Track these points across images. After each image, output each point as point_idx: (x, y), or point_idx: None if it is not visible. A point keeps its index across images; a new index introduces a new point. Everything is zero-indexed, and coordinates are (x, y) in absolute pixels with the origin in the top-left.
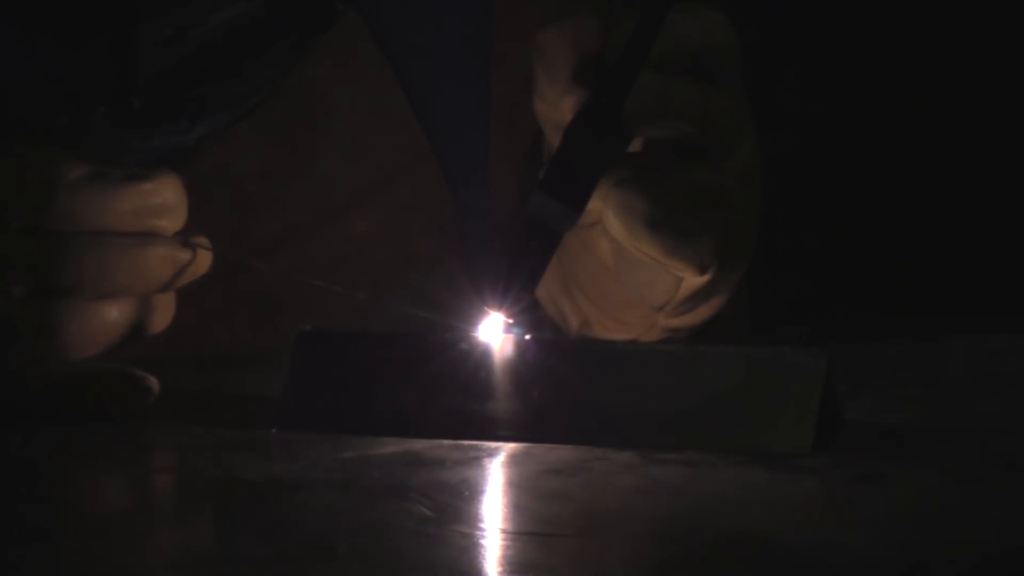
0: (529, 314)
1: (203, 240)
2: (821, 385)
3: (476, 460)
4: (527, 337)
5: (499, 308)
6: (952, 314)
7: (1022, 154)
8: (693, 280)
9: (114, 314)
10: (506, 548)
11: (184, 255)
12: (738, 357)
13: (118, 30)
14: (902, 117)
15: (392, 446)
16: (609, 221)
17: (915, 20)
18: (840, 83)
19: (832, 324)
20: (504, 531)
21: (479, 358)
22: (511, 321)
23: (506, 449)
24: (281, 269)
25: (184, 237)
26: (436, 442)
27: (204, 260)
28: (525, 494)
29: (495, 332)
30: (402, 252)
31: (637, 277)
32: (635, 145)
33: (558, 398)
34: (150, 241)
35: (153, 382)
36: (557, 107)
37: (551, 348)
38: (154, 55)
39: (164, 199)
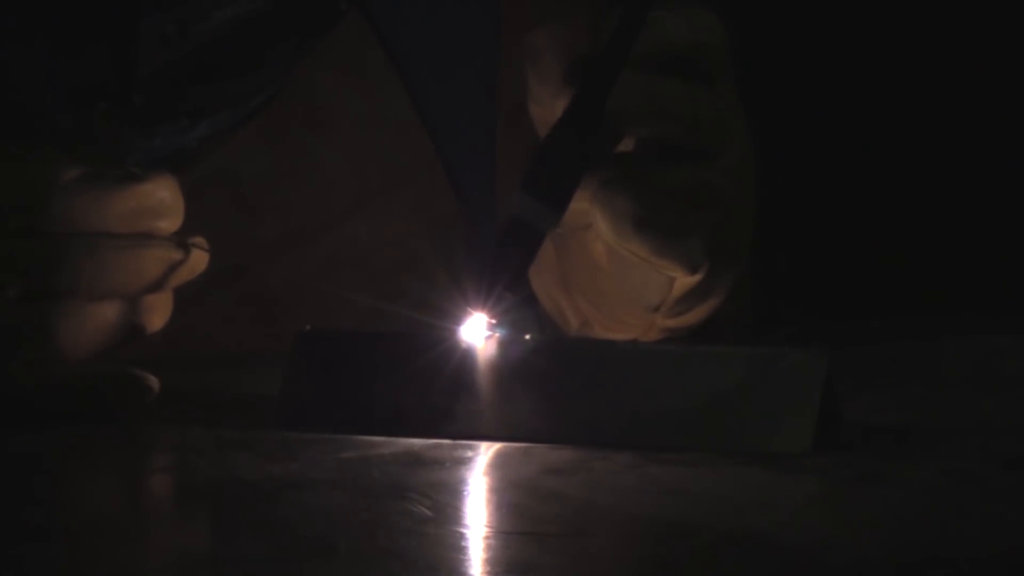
0: (513, 314)
1: (200, 240)
2: (821, 385)
3: (475, 460)
4: (527, 337)
5: (483, 308)
6: (952, 314)
7: (1022, 154)
8: (685, 280)
9: (110, 315)
10: (505, 548)
11: (180, 256)
12: (738, 357)
13: (120, 26)
14: (902, 116)
15: (392, 446)
16: (597, 221)
17: (913, 19)
18: (841, 81)
19: (832, 324)
20: (503, 531)
21: (479, 358)
22: (495, 321)
23: (505, 449)
24: (282, 272)
25: (180, 237)
26: (435, 442)
27: (201, 260)
28: (524, 494)
29: (483, 332)
30: (403, 257)
31: (631, 278)
32: (625, 145)
33: (558, 398)
34: (145, 242)
35: (153, 382)
36: (550, 108)
37: (551, 348)
38: (156, 52)
39: (160, 200)
